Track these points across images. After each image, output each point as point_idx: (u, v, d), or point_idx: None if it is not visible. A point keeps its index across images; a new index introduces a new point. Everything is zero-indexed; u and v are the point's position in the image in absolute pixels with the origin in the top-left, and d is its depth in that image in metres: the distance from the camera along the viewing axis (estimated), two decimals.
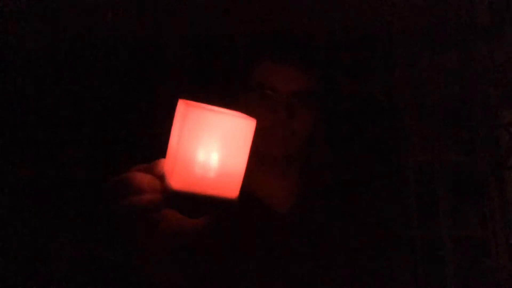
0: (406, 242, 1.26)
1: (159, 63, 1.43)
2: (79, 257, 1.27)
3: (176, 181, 0.39)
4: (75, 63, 1.43)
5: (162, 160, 0.42)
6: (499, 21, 1.28)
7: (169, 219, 0.42)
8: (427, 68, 1.35)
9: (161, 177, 0.41)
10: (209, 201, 0.40)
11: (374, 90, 1.37)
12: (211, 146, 0.40)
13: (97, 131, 1.40)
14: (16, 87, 1.41)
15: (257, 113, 0.78)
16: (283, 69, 0.77)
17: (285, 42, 0.83)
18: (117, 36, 1.42)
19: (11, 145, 1.37)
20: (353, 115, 1.35)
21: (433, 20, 1.33)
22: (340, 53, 1.37)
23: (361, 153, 1.31)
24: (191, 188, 0.39)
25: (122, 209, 0.40)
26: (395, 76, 1.37)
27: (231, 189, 0.41)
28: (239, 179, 0.41)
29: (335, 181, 0.93)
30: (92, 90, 1.41)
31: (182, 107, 0.41)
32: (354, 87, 1.37)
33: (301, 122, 0.76)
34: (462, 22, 1.32)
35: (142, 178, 0.41)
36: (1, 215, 1.32)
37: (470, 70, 1.31)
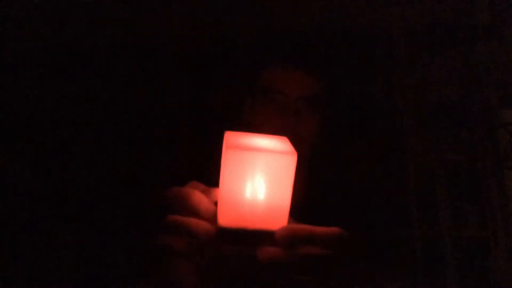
0: (406, 242, 1.26)
1: (163, 64, 1.43)
2: (80, 258, 1.27)
3: (223, 218, 0.40)
4: (75, 63, 1.43)
5: (217, 189, 0.42)
6: (499, 21, 1.28)
7: (218, 252, 0.41)
8: (427, 68, 1.35)
9: (216, 204, 0.41)
10: (258, 235, 0.40)
11: (374, 90, 1.37)
12: (254, 184, 0.40)
13: (97, 132, 1.40)
14: (16, 88, 1.41)
15: (264, 117, 0.78)
16: (292, 73, 0.77)
17: (292, 46, 0.83)
18: (121, 37, 1.42)
19: (11, 146, 1.37)
20: (353, 115, 1.35)
21: (433, 20, 1.33)
22: (340, 53, 1.37)
23: (361, 153, 1.31)
24: (238, 224, 0.40)
25: (172, 228, 0.39)
26: (395, 76, 1.37)
27: (279, 222, 0.41)
28: (286, 211, 0.42)
29: (336, 181, 0.93)
30: (91, 90, 1.41)
31: (224, 144, 0.41)
32: (354, 87, 1.37)
33: (308, 126, 0.76)
34: (462, 22, 1.32)
35: (200, 199, 0.40)
36: (1, 216, 1.32)
37: (470, 70, 1.31)
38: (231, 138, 0.42)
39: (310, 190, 0.85)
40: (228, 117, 1.21)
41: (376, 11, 1.32)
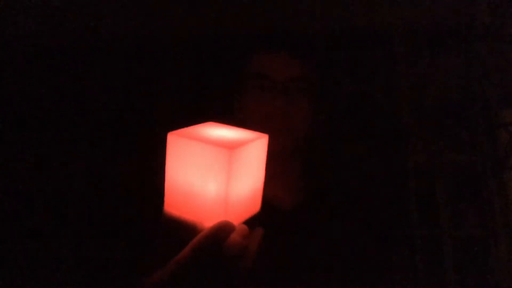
0: (406, 242, 1.26)
1: (157, 61, 1.43)
2: (80, 258, 1.27)
3: (168, 205, 0.42)
4: (74, 63, 1.43)
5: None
6: (499, 21, 1.28)
7: None
8: (427, 68, 1.35)
9: None
10: (192, 227, 0.40)
11: (374, 90, 1.37)
12: (192, 173, 0.40)
13: (96, 132, 1.40)
14: (16, 87, 1.41)
15: (255, 103, 0.78)
16: (279, 56, 0.77)
17: (281, 33, 0.83)
18: (113, 35, 1.42)
19: (11, 145, 1.37)
20: (353, 115, 1.35)
21: (433, 20, 1.33)
22: (340, 52, 1.37)
23: (361, 153, 1.31)
24: (179, 213, 0.41)
25: None
26: (395, 76, 1.37)
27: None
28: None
29: (336, 180, 0.93)
30: (91, 90, 1.41)
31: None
32: (354, 86, 1.37)
33: (299, 109, 0.76)
34: (462, 22, 1.32)
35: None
36: (1, 215, 1.32)
37: (470, 70, 1.31)
38: (198, 127, 0.43)
39: (311, 187, 0.84)
40: (222, 113, 1.21)
41: (376, 11, 1.32)
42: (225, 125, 0.45)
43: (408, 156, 1.33)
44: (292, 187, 0.82)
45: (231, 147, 0.38)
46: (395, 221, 1.27)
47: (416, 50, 1.36)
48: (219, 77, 1.33)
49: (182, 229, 0.39)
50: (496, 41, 1.29)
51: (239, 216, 0.41)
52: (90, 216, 1.32)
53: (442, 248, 1.25)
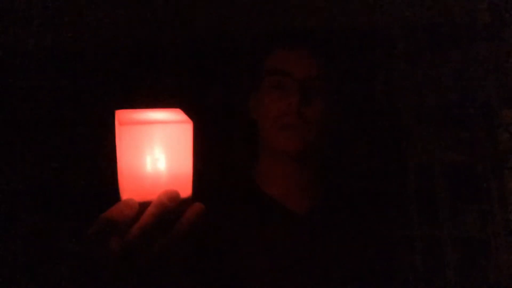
0: (406, 242, 1.26)
1: (162, 61, 1.43)
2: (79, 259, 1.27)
3: (125, 193, 0.41)
4: (74, 63, 1.43)
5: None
6: (499, 21, 1.28)
7: None
8: (427, 68, 1.35)
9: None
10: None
11: (374, 90, 1.37)
12: (152, 157, 0.41)
13: (96, 132, 1.39)
14: (16, 87, 1.41)
15: (270, 103, 0.77)
16: (295, 54, 0.76)
17: (296, 31, 0.82)
18: (116, 37, 1.42)
19: (11, 145, 1.37)
20: (353, 115, 1.34)
21: (433, 20, 1.33)
22: (340, 52, 1.36)
23: (360, 153, 1.31)
24: (141, 198, 0.41)
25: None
26: (395, 76, 1.37)
27: (184, 190, 0.42)
28: (189, 178, 0.43)
29: (341, 182, 0.92)
30: (90, 90, 1.41)
31: (116, 122, 0.43)
32: (354, 86, 1.37)
33: (315, 109, 0.74)
34: (462, 22, 1.32)
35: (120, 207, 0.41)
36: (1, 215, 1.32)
37: (470, 70, 1.31)
38: (122, 115, 0.44)
39: (326, 189, 0.83)
40: (233, 114, 1.20)
41: (376, 11, 1.32)
42: (136, 110, 0.46)
43: (408, 156, 1.33)
44: (306, 188, 0.81)
45: (188, 121, 0.42)
46: (395, 221, 1.26)
47: (416, 50, 1.36)
48: (235, 74, 1.32)
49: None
50: (496, 41, 1.28)
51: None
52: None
53: (442, 248, 1.25)
